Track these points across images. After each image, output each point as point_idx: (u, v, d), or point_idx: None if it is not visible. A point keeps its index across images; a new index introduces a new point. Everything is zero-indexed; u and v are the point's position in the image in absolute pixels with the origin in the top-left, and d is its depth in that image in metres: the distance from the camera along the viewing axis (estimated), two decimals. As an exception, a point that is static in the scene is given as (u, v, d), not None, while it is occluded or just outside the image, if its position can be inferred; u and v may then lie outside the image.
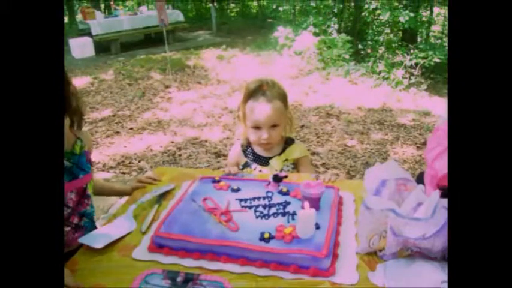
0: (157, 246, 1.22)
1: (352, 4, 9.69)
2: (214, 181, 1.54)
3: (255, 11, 15.29)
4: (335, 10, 9.36)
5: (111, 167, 4.02)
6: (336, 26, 8.89)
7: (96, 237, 1.28)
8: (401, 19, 7.75)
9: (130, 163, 4.11)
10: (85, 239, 1.27)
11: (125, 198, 1.63)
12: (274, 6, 10.70)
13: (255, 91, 1.77)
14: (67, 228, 1.41)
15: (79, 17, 10.39)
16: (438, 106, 5.97)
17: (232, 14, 15.86)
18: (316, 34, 8.31)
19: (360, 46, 8.63)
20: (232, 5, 16.19)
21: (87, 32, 9.26)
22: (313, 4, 9.31)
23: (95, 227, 1.48)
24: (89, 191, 1.49)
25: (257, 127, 1.77)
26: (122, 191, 1.73)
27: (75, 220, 1.43)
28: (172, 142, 4.60)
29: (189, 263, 1.16)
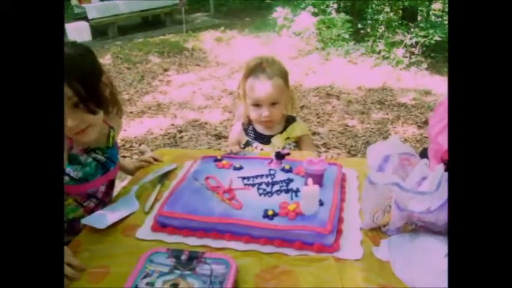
0: (161, 225, 1.22)
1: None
2: (216, 160, 1.54)
3: (252, -9, 15.09)
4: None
5: (112, 151, 4.01)
6: (335, 6, 8.76)
7: (99, 217, 1.28)
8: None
9: (131, 147, 4.10)
10: (88, 220, 1.26)
11: (126, 181, 1.62)
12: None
13: (255, 68, 1.75)
14: None
15: (74, 1, 10.24)
16: (439, 85, 5.93)
17: (230, -5, 15.66)
18: (315, 14, 8.20)
19: (359, 25, 8.53)
20: (229, -14, 15.97)
21: (83, 16, 9.14)
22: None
23: None
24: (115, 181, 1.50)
25: (257, 104, 1.76)
26: (125, 168, 1.71)
27: (99, 209, 1.42)
28: (173, 125, 4.59)
29: (193, 241, 1.16)
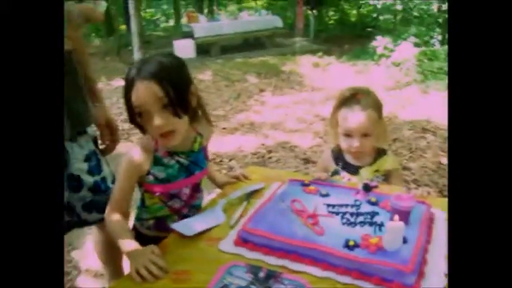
0: (243, 240, 1.26)
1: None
2: (304, 184, 1.56)
3: (354, 19, 15.06)
4: (440, 20, 8.91)
5: (203, 164, 4.20)
6: (440, 37, 8.46)
7: (187, 225, 1.36)
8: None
9: (221, 161, 4.26)
10: (177, 226, 1.36)
11: (214, 194, 1.71)
12: (374, 15, 10.46)
13: (350, 99, 1.76)
14: (176, 218, 1.50)
15: (184, 20, 10.97)
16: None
17: (331, 22, 15.76)
18: (417, 45, 7.97)
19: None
20: (331, 13, 16.09)
21: (190, 35, 9.76)
22: (416, 13, 8.95)
23: None
24: (201, 185, 1.58)
25: (349, 135, 1.76)
26: (216, 181, 1.79)
27: (185, 211, 1.52)
28: (263, 144, 4.69)
29: (271, 260, 1.19)
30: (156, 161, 1.41)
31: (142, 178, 1.42)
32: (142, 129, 1.37)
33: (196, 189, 1.55)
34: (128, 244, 1.30)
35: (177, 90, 1.28)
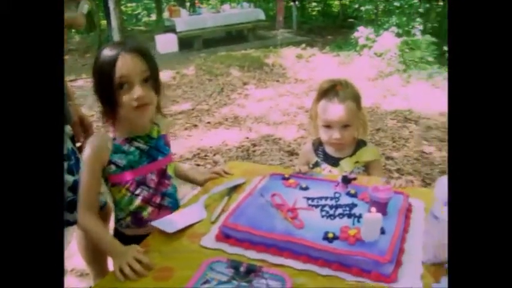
0: (224, 236, 1.27)
1: (441, 3, 9.24)
2: (284, 178, 1.58)
3: (336, 10, 15.09)
4: (421, 10, 8.97)
5: (188, 159, 4.19)
6: (421, 27, 8.52)
7: (168, 222, 1.37)
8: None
9: (205, 156, 4.26)
10: (158, 223, 1.36)
11: (197, 189, 1.71)
12: (356, 6, 10.49)
13: (328, 91, 1.78)
14: (150, 208, 1.51)
15: (166, 14, 10.88)
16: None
17: (313, 13, 15.77)
18: (398, 35, 8.02)
19: (445, 48, 8.21)
20: (313, 4, 16.10)
21: (172, 29, 9.68)
22: (397, 4, 8.99)
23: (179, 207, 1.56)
24: (170, 172, 1.57)
25: (329, 126, 1.78)
26: (196, 180, 1.80)
27: (158, 200, 1.52)
28: (247, 138, 4.70)
29: (252, 255, 1.20)
30: (116, 149, 1.43)
31: (105, 171, 1.43)
32: (110, 113, 1.40)
33: (164, 175, 1.54)
34: (110, 244, 1.31)
35: (155, 68, 1.40)
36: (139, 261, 1.17)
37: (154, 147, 1.52)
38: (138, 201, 1.48)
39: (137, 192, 1.47)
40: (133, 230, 1.52)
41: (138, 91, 1.33)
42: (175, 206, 1.57)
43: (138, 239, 1.32)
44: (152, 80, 1.38)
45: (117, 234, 1.54)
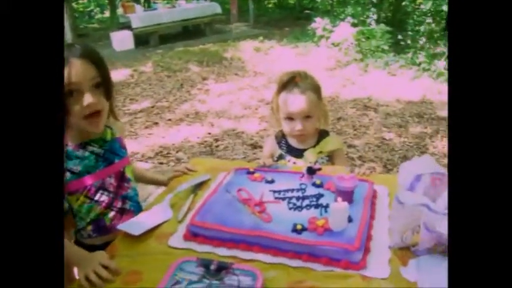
0: (192, 234, 1.25)
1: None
2: (249, 172, 1.57)
3: (292, 2, 15.16)
4: (374, 0, 9.15)
5: (150, 157, 4.12)
6: (375, 17, 8.70)
7: (134, 224, 1.33)
8: (444, 8, 7.49)
9: (168, 154, 4.20)
10: (124, 226, 1.32)
11: (162, 188, 1.68)
12: (312, -3, 10.59)
13: (288, 82, 1.78)
14: (112, 213, 1.46)
15: (120, 10, 10.60)
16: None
17: (270, 6, 15.78)
18: (354, 25, 8.16)
19: (399, 37, 8.42)
20: (269, -4, 16.11)
21: (127, 25, 9.45)
22: (352, -6, 9.14)
23: (142, 210, 1.52)
24: (128, 175, 1.53)
25: (290, 118, 1.78)
26: (158, 181, 1.78)
27: (119, 204, 1.48)
28: (209, 133, 4.67)
29: (222, 251, 1.19)
30: (70, 156, 1.38)
31: None
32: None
33: (123, 178, 1.51)
34: (74, 251, 1.26)
35: (106, 74, 1.34)
36: (105, 267, 1.13)
37: (109, 150, 1.47)
38: (98, 208, 1.44)
39: (97, 197, 1.43)
40: (96, 239, 1.47)
41: (88, 99, 1.27)
42: (137, 208, 1.53)
43: (101, 248, 1.26)
44: (103, 85, 1.33)
45: (79, 246, 1.48)
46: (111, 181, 1.46)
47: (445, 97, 5.84)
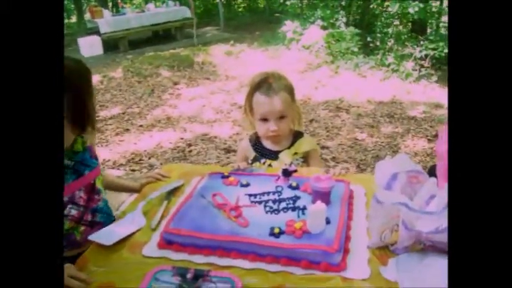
0: (167, 242, 1.21)
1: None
2: (224, 176, 1.53)
3: (262, 5, 15.22)
4: (343, 3, 9.27)
5: (122, 165, 4.03)
6: (344, 19, 8.81)
7: (106, 234, 1.28)
8: (411, 10, 7.66)
9: (140, 160, 4.12)
10: (95, 236, 1.27)
11: (135, 196, 1.63)
12: (281, 1, 10.63)
13: (261, 83, 1.76)
14: (82, 228, 1.40)
15: (87, 16, 10.41)
16: (449, 98, 5.89)
17: (240, 10, 15.81)
18: (324, 27, 8.25)
19: (368, 39, 8.56)
20: (239, 0, 16.14)
21: (95, 31, 9.28)
22: (320, -3, 9.24)
23: (113, 221, 1.46)
24: (99, 186, 1.48)
25: (265, 119, 1.76)
26: (130, 188, 1.72)
27: (89, 217, 1.42)
28: (182, 138, 4.61)
29: (198, 259, 1.15)
30: None
31: None
32: None
33: (93, 190, 1.45)
34: None
35: (77, 101, 1.26)
36: (75, 278, 1.08)
37: (80, 162, 1.41)
38: (68, 223, 1.37)
39: (66, 212, 1.36)
40: (68, 252, 1.39)
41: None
42: (108, 220, 1.47)
43: (73, 261, 1.20)
44: (72, 121, 1.27)
45: None
46: (81, 194, 1.40)
47: (413, 97, 5.96)
